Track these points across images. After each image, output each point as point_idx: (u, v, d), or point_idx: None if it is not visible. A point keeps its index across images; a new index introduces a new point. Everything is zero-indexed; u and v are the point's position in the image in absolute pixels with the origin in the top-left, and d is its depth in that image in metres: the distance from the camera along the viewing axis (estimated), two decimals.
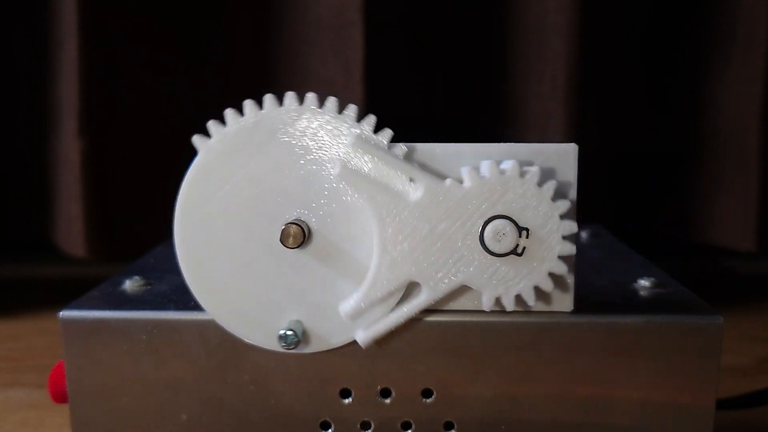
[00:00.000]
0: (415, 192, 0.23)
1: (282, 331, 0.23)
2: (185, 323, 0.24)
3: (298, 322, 0.24)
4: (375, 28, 0.48)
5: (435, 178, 0.23)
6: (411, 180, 0.23)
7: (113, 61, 0.48)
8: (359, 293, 0.23)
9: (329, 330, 0.24)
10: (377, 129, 0.23)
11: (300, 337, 0.23)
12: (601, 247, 0.34)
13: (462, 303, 0.24)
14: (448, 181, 0.22)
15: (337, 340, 0.24)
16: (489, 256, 0.22)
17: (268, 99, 0.23)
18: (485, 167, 0.22)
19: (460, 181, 0.23)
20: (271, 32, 0.51)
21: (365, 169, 0.23)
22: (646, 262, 0.31)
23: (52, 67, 0.50)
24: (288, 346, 0.23)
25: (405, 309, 0.23)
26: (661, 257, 0.34)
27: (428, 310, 0.24)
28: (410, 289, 0.23)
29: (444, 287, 0.23)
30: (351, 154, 0.23)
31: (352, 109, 0.23)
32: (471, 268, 0.23)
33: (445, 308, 0.24)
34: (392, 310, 0.23)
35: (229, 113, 0.23)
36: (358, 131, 0.23)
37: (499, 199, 0.22)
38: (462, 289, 0.23)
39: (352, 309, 0.23)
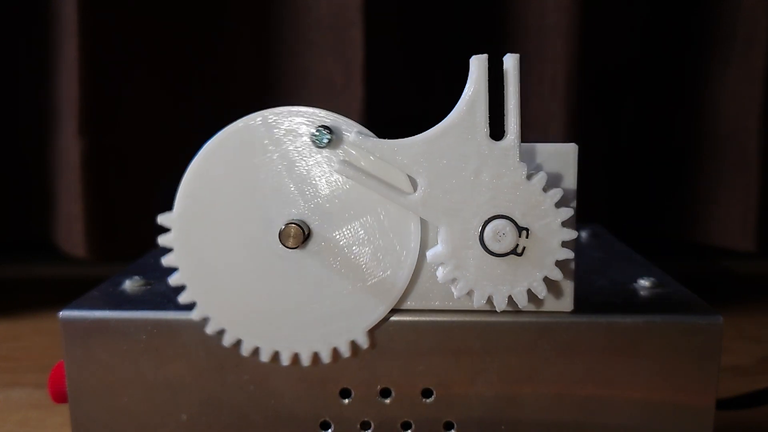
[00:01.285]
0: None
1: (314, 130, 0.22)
2: (185, 323, 0.24)
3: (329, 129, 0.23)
4: (375, 28, 0.48)
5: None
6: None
7: (113, 61, 0.48)
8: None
9: (331, 328, 0.24)
10: (385, 131, 0.23)
11: (332, 137, 0.22)
12: (601, 247, 0.34)
13: (461, 303, 0.24)
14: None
15: (340, 338, 0.24)
16: (488, 256, 0.22)
17: None
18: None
19: None
20: (272, 32, 0.51)
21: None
22: (646, 262, 0.31)
23: (52, 67, 0.50)
24: (320, 144, 0.22)
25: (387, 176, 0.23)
26: (661, 257, 0.34)
27: (428, 310, 0.24)
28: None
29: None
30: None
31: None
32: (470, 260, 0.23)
33: (446, 308, 0.24)
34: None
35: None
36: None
37: (510, 199, 0.22)
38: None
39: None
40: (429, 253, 0.23)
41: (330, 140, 0.22)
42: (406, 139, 0.23)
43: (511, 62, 0.22)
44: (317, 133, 0.22)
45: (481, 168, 0.22)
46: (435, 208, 0.23)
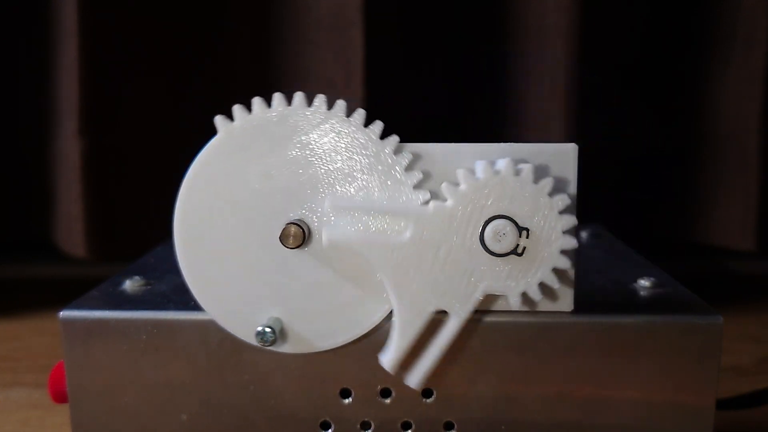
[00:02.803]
0: (405, 231, 0.23)
1: (260, 328, 0.23)
2: (185, 323, 0.24)
3: (278, 320, 0.24)
4: (375, 28, 0.48)
5: (418, 207, 0.23)
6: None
7: (113, 61, 0.48)
8: (393, 344, 0.23)
9: (329, 330, 0.24)
10: (385, 131, 0.23)
11: (277, 335, 0.23)
12: (601, 247, 0.34)
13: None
14: (430, 205, 0.23)
15: (338, 340, 0.24)
16: (499, 261, 0.22)
17: (297, 97, 0.24)
18: (479, 168, 0.22)
19: (445, 199, 0.23)
20: (272, 32, 0.51)
21: (349, 227, 0.23)
22: (646, 262, 0.31)
23: (52, 67, 0.50)
24: (265, 343, 0.23)
25: (441, 340, 0.23)
26: (661, 257, 0.34)
27: None
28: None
29: (469, 305, 0.23)
30: (332, 216, 0.23)
31: (377, 125, 0.23)
32: (487, 276, 0.23)
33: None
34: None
35: (256, 101, 0.23)
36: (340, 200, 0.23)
37: (496, 199, 0.22)
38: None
39: (393, 360, 0.23)
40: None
41: (274, 339, 0.23)
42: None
43: (327, 242, 0.23)
44: (261, 331, 0.23)
45: (436, 249, 0.23)
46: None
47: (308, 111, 0.23)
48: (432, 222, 0.22)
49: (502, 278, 0.23)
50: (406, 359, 0.23)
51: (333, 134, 0.23)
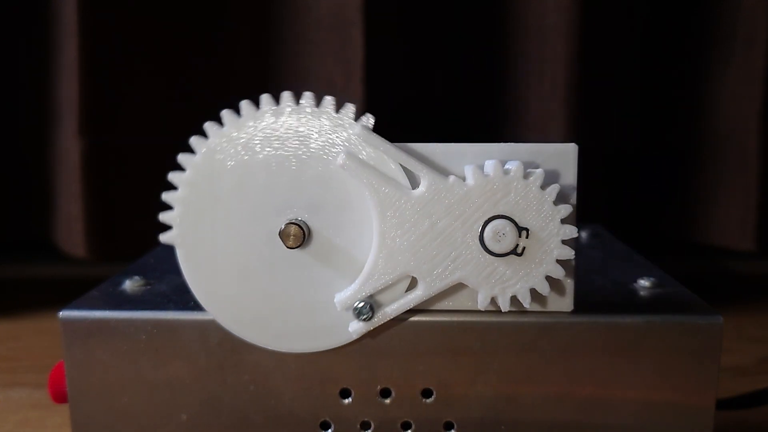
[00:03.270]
0: (420, 186, 0.23)
1: (358, 304, 0.23)
2: (185, 323, 0.24)
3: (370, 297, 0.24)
4: (375, 28, 0.48)
5: (438, 174, 0.23)
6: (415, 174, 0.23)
7: (113, 61, 0.48)
8: (356, 284, 0.23)
9: (330, 329, 0.24)
10: (377, 128, 0.23)
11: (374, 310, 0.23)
12: (601, 247, 0.34)
13: (461, 303, 0.24)
14: (451, 178, 0.22)
15: (338, 339, 0.24)
16: (488, 256, 0.22)
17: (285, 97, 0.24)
18: (489, 166, 0.22)
19: (463, 180, 0.23)
20: (271, 32, 0.51)
21: (369, 160, 0.23)
22: (646, 262, 0.31)
23: (52, 67, 0.50)
24: (364, 317, 0.23)
25: (399, 303, 0.23)
26: (661, 257, 0.34)
27: (428, 310, 0.24)
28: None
29: (440, 284, 0.23)
30: (356, 145, 0.23)
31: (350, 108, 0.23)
32: (469, 267, 0.23)
33: (443, 308, 0.24)
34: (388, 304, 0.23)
35: (245, 104, 0.23)
36: (363, 124, 0.23)
37: (501, 199, 0.22)
38: (460, 288, 0.23)
39: (347, 299, 0.23)
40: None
41: (371, 315, 0.23)
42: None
43: (343, 161, 0.22)
44: (359, 306, 0.23)
45: (434, 218, 0.23)
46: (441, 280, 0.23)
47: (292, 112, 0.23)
48: (446, 193, 0.22)
49: (482, 275, 0.23)
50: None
51: (315, 128, 0.23)
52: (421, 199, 0.23)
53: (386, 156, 0.23)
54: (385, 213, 0.23)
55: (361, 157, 0.23)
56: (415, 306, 0.23)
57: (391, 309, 0.23)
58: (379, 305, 0.23)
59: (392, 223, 0.23)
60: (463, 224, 0.22)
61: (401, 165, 0.23)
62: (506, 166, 0.23)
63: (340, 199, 0.23)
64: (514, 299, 0.23)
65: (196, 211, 0.24)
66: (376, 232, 0.23)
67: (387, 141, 0.23)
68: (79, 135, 0.47)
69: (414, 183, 0.23)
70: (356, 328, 0.23)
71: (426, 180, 0.23)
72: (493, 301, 0.23)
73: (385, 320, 0.23)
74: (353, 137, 0.23)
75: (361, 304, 0.23)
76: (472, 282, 0.23)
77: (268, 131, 0.23)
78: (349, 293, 0.23)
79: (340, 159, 0.23)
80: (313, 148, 0.23)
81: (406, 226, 0.23)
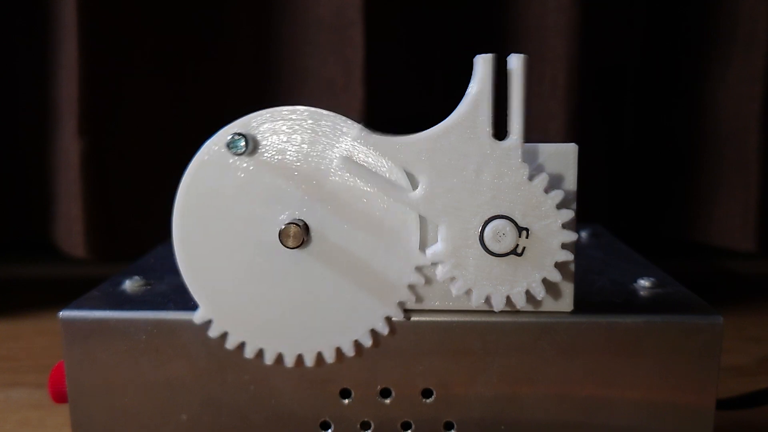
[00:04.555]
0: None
1: (229, 137, 0.22)
2: (185, 323, 0.24)
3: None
4: (375, 28, 0.48)
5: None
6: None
7: (113, 61, 0.48)
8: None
9: (330, 329, 0.24)
10: (385, 131, 0.23)
11: (249, 147, 0.22)
12: (601, 247, 0.34)
13: (461, 303, 0.24)
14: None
15: (339, 339, 0.24)
16: (487, 255, 0.22)
17: None
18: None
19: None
20: (271, 32, 0.51)
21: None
22: (646, 262, 0.31)
23: (52, 67, 0.50)
24: (236, 150, 0.22)
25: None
26: (661, 257, 0.34)
27: (428, 310, 0.24)
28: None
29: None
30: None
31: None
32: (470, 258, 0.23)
33: (444, 308, 0.24)
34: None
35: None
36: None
37: (504, 198, 0.22)
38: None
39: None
40: (428, 251, 0.23)
41: (245, 148, 0.22)
42: (408, 136, 0.23)
43: (516, 62, 0.22)
44: (231, 139, 0.22)
45: (483, 167, 0.22)
46: (435, 207, 0.23)
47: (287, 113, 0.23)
48: (506, 155, 0.22)
49: (518, 275, 0.23)
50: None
51: (313, 128, 0.23)
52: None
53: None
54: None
55: (360, 157, 0.23)
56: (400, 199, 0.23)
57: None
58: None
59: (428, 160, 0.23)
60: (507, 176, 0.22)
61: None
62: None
63: (341, 199, 0.23)
64: (514, 299, 0.23)
65: (196, 210, 0.24)
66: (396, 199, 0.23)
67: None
68: (79, 135, 0.47)
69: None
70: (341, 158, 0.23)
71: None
72: (488, 300, 0.23)
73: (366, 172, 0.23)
74: (353, 140, 0.23)
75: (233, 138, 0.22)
76: (469, 279, 0.23)
77: (271, 134, 0.23)
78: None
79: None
80: (312, 149, 0.23)
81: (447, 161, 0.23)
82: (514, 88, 0.22)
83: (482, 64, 0.22)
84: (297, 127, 0.23)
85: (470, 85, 0.22)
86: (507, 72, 0.22)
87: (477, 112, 0.22)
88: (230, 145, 0.22)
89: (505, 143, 0.22)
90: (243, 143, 0.22)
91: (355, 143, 0.23)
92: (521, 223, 0.22)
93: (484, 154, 0.22)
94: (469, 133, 0.22)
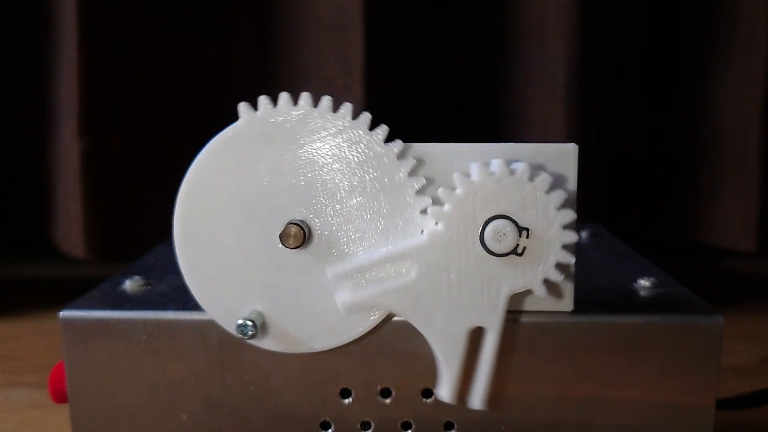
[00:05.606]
0: (411, 270, 0.23)
1: (240, 321, 0.23)
2: (185, 323, 0.24)
3: (260, 314, 0.24)
4: (375, 28, 0.48)
5: (415, 242, 0.23)
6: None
7: (113, 61, 0.48)
8: (445, 377, 0.23)
9: (329, 329, 0.24)
10: (374, 127, 0.23)
11: (258, 329, 0.23)
12: (601, 247, 0.34)
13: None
14: (425, 234, 0.23)
15: (338, 339, 0.24)
16: (488, 255, 0.22)
17: (304, 97, 0.23)
18: (495, 165, 0.22)
19: (467, 176, 0.22)
20: (271, 32, 0.51)
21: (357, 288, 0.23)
22: (646, 262, 0.31)
23: (52, 67, 0.50)
24: (245, 336, 0.23)
25: (487, 356, 0.23)
26: (661, 257, 0.34)
27: None
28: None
29: (499, 312, 0.23)
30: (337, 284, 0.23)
31: (383, 130, 0.23)
32: (505, 278, 0.23)
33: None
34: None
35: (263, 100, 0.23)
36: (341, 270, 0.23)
37: (504, 199, 0.22)
38: None
39: (451, 391, 0.23)
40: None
41: (254, 332, 0.23)
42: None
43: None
44: (242, 324, 0.23)
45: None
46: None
47: (331, 116, 0.23)
48: (433, 250, 0.22)
49: (519, 275, 0.23)
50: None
51: (348, 143, 0.23)
52: (421, 277, 0.23)
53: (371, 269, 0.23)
54: (409, 309, 0.23)
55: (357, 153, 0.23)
56: (496, 349, 0.23)
57: (486, 365, 0.23)
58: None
59: (420, 309, 0.23)
60: (468, 253, 0.22)
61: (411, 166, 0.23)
62: (512, 166, 0.22)
63: (341, 200, 0.23)
64: (514, 299, 0.23)
65: (197, 210, 0.24)
66: (417, 326, 0.23)
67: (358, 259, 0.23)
68: (79, 135, 0.47)
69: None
70: (476, 402, 0.23)
71: (413, 264, 0.23)
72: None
73: (490, 377, 0.23)
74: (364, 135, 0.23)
75: (246, 322, 0.23)
76: (519, 286, 0.23)
77: (271, 134, 0.23)
78: (446, 387, 0.23)
79: (342, 309, 0.23)
80: (327, 155, 0.23)
81: (433, 303, 0.23)
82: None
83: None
84: (296, 126, 0.23)
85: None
86: None
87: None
88: (240, 331, 0.23)
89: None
90: (251, 329, 0.23)
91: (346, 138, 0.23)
92: (522, 224, 0.22)
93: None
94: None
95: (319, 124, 0.23)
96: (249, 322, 0.23)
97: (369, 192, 0.23)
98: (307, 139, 0.23)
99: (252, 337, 0.23)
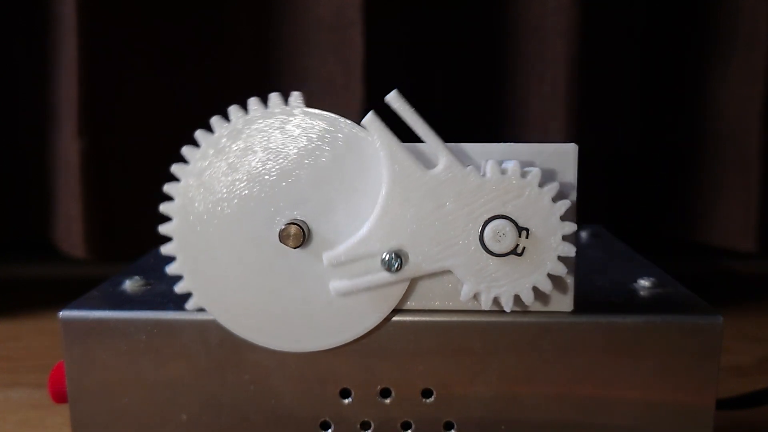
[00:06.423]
0: (438, 165, 0.23)
1: (386, 256, 0.23)
2: (185, 323, 0.24)
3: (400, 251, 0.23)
4: (375, 28, 0.48)
5: (457, 159, 0.23)
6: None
7: (113, 61, 0.48)
8: (347, 243, 0.23)
9: (329, 329, 0.24)
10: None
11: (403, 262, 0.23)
12: (601, 247, 0.34)
13: (461, 302, 0.24)
14: (469, 167, 0.22)
15: (338, 339, 0.24)
16: (484, 253, 0.22)
17: (273, 98, 0.23)
18: (508, 166, 0.22)
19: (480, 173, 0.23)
20: (271, 32, 0.51)
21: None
22: (646, 262, 0.31)
23: (52, 67, 0.50)
24: (391, 268, 0.23)
25: (386, 274, 0.23)
26: (661, 257, 0.34)
27: (428, 311, 0.24)
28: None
29: (428, 267, 0.23)
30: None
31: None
32: (462, 258, 0.23)
33: (444, 308, 0.24)
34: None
35: (233, 109, 0.23)
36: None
37: (512, 200, 0.22)
38: (460, 288, 0.23)
39: (335, 256, 0.23)
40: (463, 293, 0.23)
41: (400, 266, 0.23)
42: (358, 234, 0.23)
43: (394, 100, 0.23)
44: (387, 259, 0.23)
45: (441, 200, 0.22)
46: (435, 262, 0.23)
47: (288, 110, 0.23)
48: (461, 179, 0.22)
49: (518, 275, 0.23)
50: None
51: (317, 128, 0.23)
52: (435, 178, 0.22)
53: (413, 125, 0.23)
54: (396, 180, 0.23)
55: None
56: (397, 280, 0.23)
57: (380, 276, 0.23)
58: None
59: (400, 192, 0.23)
60: (468, 215, 0.22)
61: (420, 143, 0.23)
62: (503, 165, 0.22)
63: (341, 199, 0.23)
64: (513, 299, 0.23)
65: (195, 214, 0.24)
66: (383, 197, 0.23)
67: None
68: (79, 135, 0.47)
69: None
70: (336, 286, 0.23)
71: (444, 160, 0.22)
72: (496, 301, 0.23)
73: (369, 285, 0.23)
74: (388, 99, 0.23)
75: (388, 256, 0.23)
76: (462, 274, 0.23)
77: (272, 134, 0.23)
78: (339, 250, 0.23)
79: (367, 118, 0.23)
80: (309, 148, 0.23)
81: (413, 200, 0.23)
82: (410, 122, 0.23)
83: (371, 125, 0.23)
84: (297, 126, 0.23)
85: (379, 148, 0.23)
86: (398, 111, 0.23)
87: (400, 166, 0.23)
88: (386, 264, 0.23)
89: (438, 169, 0.23)
90: (397, 263, 0.23)
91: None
92: (521, 223, 0.22)
93: (432, 189, 0.23)
94: (409, 185, 0.23)
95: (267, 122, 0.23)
96: (393, 255, 0.23)
97: (368, 191, 0.23)
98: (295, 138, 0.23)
99: (398, 269, 0.23)
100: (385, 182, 0.23)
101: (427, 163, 0.23)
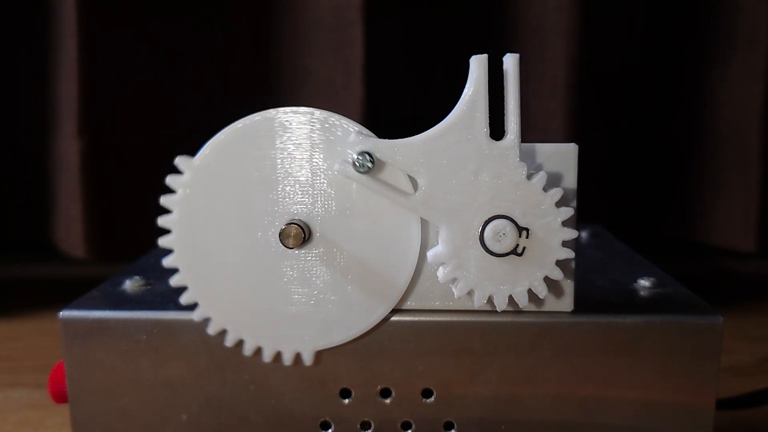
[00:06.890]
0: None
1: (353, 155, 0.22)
2: (185, 323, 0.24)
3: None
4: (375, 28, 0.48)
5: (519, 146, 0.22)
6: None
7: (113, 61, 0.48)
8: (378, 141, 0.22)
9: (329, 329, 0.24)
10: (385, 131, 0.23)
11: (373, 164, 0.22)
12: (601, 247, 0.34)
13: (461, 302, 0.24)
14: (523, 163, 0.22)
15: (338, 338, 0.24)
16: (487, 255, 0.22)
17: None
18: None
19: None
20: (271, 32, 0.51)
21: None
22: (646, 262, 0.31)
23: (51, 67, 0.50)
24: (360, 168, 0.22)
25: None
26: (661, 257, 0.34)
27: (428, 311, 0.24)
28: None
29: (425, 211, 0.23)
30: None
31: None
32: (454, 229, 0.23)
33: (444, 308, 0.24)
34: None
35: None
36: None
37: (506, 198, 0.22)
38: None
39: (370, 146, 0.23)
40: (429, 253, 0.23)
41: (371, 167, 0.22)
42: (406, 139, 0.23)
43: (511, 62, 0.22)
44: (360, 158, 0.22)
45: (481, 168, 0.22)
46: (435, 208, 0.23)
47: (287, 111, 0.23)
48: (511, 165, 0.22)
49: (519, 275, 0.23)
50: None
51: (315, 128, 0.23)
52: (496, 147, 0.22)
53: (377, 167, 0.23)
54: (464, 123, 0.23)
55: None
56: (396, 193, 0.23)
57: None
58: None
59: (459, 132, 0.22)
60: (491, 200, 0.22)
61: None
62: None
63: (341, 199, 0.23)
64: (513, 299, 0.23)
65: (194, 213, 0.24)
66: (444, 124, 0.23)
67: (378, 143, 0.23)
68: (79, 135, 0.47)
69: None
70: (338, 167, 0.22)
71: (510, 139, 0.22)
72: (490, 300, 0.23)
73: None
74: (351, 144, 0.23)
75: (358, 156, 0.22)
76: (447, 238, 0.23)
77: (272, 134, 0.23)
78: (369, 141, 0.22)
79: (337, 167, 0.22)
80: (313, 149, 0.23)
81: (464, 150, 0.22)
82: (509, 88, 0.22)
83: (477, 65, 0.22)
84: (297, 127, 0.23)
85: (466, 86, 0.22)
86: (503, 72, 0.22)
87: (473, 112, 0.22)
88: (357, 164, 0.22)
89: (503, 143, 0.22)
90: (369, 163, 0.22)
91: (353, 147, 0.23)
92: (521, 223, 0.22)
93: (482, 155, 0.22)
94: (467, 134, 0.22)
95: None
96: (366, 156, 0.22)
97: (368, 191, 0.23)
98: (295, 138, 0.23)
99: (368, 171, 0.22)
100: (454, 114, 0.22)
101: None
